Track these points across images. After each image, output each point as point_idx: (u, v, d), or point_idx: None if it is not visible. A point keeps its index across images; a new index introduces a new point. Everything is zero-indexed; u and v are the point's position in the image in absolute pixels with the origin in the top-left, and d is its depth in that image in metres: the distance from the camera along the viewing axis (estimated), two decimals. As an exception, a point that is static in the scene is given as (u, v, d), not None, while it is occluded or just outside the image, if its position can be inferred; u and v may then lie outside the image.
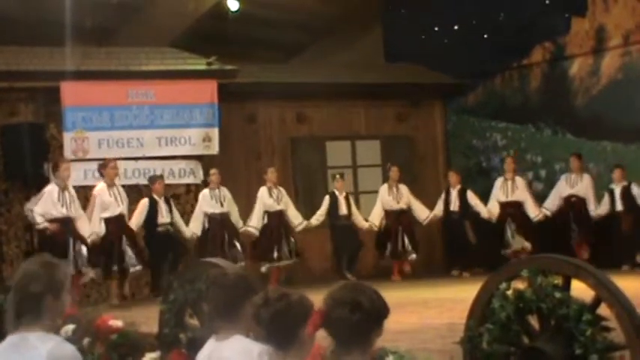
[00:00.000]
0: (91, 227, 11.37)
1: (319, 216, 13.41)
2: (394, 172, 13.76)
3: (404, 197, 13.72)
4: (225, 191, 12.59)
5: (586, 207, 12.99)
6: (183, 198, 13.02)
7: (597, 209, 12.90)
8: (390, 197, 13.68)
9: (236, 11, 14.25)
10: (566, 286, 3.99)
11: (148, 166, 12.74)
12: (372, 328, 2.96)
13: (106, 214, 11.53)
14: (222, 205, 12.49)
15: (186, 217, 12.61)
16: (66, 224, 11.10)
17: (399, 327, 6.86)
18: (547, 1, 14.23)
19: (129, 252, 11.52)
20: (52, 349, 3.08)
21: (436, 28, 15.55)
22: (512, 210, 13.33)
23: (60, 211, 11.08)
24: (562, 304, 3.88)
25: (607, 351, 3.80)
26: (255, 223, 12.75)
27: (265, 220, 12.83)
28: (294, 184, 14.39)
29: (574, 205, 13.04)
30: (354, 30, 16.29)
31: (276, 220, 12.84)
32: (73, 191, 11.33)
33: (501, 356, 4.08)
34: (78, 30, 12.56)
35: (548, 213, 13.26)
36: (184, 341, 5.45)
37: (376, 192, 13.88)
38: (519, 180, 13.51)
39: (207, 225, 12.43)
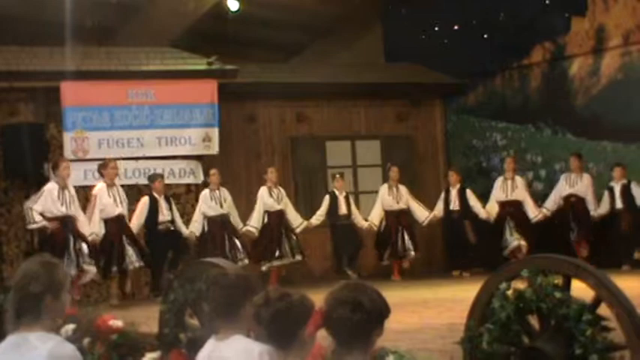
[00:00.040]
0: (91, 227, 11.36)
1: (319, 216, 13.41)
2: (394, 172, 13.75)
3: (403, 197, 13.72)
4: (225, 192, 12.58)
5: (585, 206, 13.00)
6: (184, 198, 13.02)
7: (597, 209, 12.92)
8: (390, 197, 13.68)
9: (236, 11, 14.24)
10: (567, 286, 3.99)
11: (148, 166, 12.74)
12: (373, 328, 2.96)
13: (106, 215, 11.53)
14: (221, 206, 12.48)
15: (187, 217, 12.60)
16: (66, 223, 11.09)
17: (400, 327, 6.86)
18: (547, 1, 14.23)
19: (129, 250, 11.52)
20: (52, 348, 3.08)
21: (436, 28, 15.55)
22: (512, 209, 13.34)
23: (60, 210, 11.07)
24: (562, 304, 3.88)
25: (607, 351, 3.79)
26: (255, 222, 12.75)
27: (265, 220, 12.83)
28: (294, 184, 14.39)
29: (574, 204, 13.05)
30: (354, 30, 16.29)
31: (276, 219, 12.83)
32: (72, 190, 11.32)
33: (501, 356, 4.08)
34: (78, 30, 12.56)
35: (548, 213, 13.27)
36: (184, 341, 5.45)
37: (376, 192, 13.87)
38: (519, 179, 13.52)
39: (207, 227, 12.43)
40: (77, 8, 12.58)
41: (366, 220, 13.64)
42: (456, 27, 15.33)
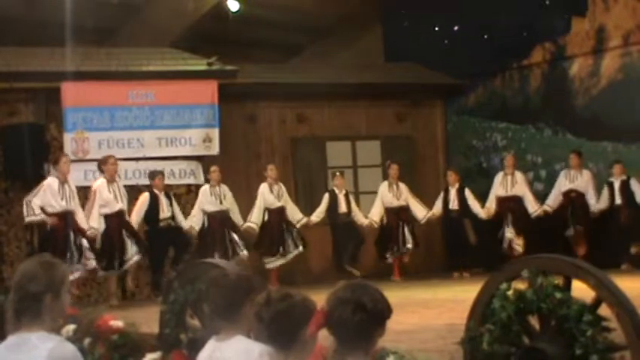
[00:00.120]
0: (90, 222, 11.37)
1: (319, 213, 13.43)
2: (394, 169, 13.76)
3: (403, 194, 13.74)
4: (225, 189, 12.61)
5: (585, 202, 13.03)
6: (184, 198, 13.01)
7: (597, 204, 12.95)
8: (391, 194, 13.69)
9: (236, 12, 14.25)
10: (567, 287, 3.99)
11: (148, 167, 12.73)
12: (375, 328, 2.96)
13: (105, 211, 11.53)
14: (221, 202, 12.50)
15: (187, 217, 12.59)
16: (65, 218, 11.09)
17: (400, 327, 6.86)
18: (547, 1, 14.23)
19: (129, 244, 11.52)
20: (52, 349, 3.07)
21: (436, 28, 15.55)
22: (512, 204, 13.35)
23: (60, 204, 11.06)
24: (563, 304, 3.88)
25: (607, 351, 3.79)
26: (255, 219, 12.78)
27: (266, 218, 12.85)
28: (295, 184, 14.39)
29: (573, 200, 13.08)
30: (354, 30, 16.29)
31: (276, 217, 12.87)
32: (72, 185, 11.32)
33: (502, 357, 4.08)
34: (78, 30, 12.56)
35: (549, 209, 13.28)
36: (185, 342, 5.45)
37: (376, 192, 13.87)
38: (519, 175, 13.54)
39: (206, 223, 12.44)
40: (77, 9, 12.59)
41: (367, 217, 13.65)
42: (456, 27, 15.34)
